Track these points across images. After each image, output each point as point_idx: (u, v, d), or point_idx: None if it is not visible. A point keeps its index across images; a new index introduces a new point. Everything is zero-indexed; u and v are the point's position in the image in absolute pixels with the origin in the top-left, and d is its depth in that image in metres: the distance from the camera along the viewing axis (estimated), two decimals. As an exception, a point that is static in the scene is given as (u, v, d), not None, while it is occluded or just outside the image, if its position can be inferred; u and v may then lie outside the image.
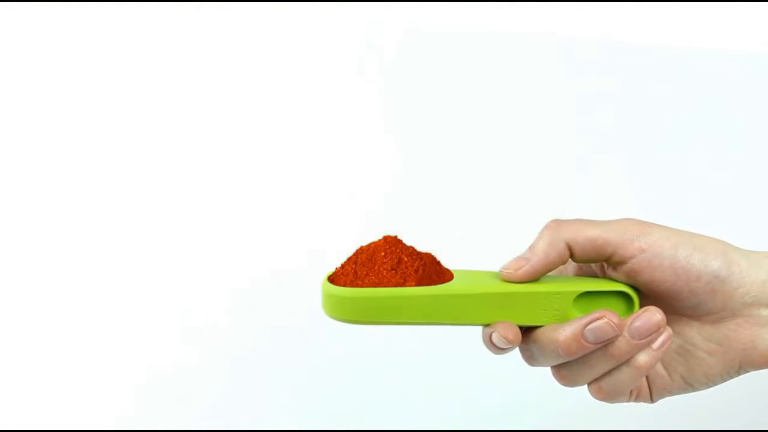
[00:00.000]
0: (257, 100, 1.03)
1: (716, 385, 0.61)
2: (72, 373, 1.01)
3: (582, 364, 0.59)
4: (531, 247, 0.60)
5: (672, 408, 0.93)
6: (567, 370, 0.60)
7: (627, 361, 0.58)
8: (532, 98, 1.03)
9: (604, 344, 0.58)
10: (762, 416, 1.00)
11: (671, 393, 0.62)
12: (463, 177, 1.03)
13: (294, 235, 1.02)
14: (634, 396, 0.62)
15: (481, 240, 0.99)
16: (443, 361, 1.00)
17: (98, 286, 1.01)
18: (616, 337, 0.57)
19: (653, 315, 0.58)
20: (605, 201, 1.02)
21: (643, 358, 0.58)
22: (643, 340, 0.58)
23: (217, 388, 1.01)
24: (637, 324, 0.58)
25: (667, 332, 0.58)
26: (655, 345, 0.58)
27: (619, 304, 0.60)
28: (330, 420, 1.01)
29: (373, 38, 1.02)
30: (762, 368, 0.60)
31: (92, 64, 1.01)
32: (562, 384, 0.61)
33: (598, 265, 0.62)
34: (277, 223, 1.02)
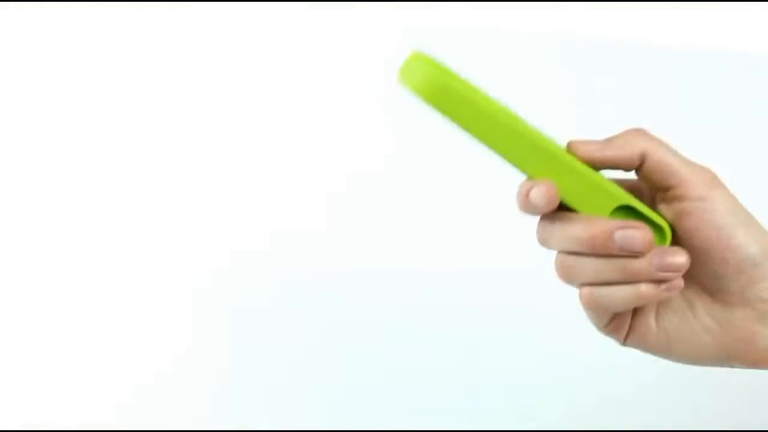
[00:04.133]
0: (256, 99, 1.03)
1: (693, 364, 0.60)
2: (75, 372, 1.02)
3: (593, 262, 0.58)
4: (609, 138, 0.59)
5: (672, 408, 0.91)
6: (574, 261, 0.58)
7: (632, 282, 0.57)
8: (530, 99, 1.00)
9: (627, 256, 0.57)
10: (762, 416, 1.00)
11: (646, 347, 0.61)
12: (463, 177, 1.01)
13: (294, 237, 1.02)
14: (611, 327, 0.61)
15: (481, 240, 0.97)
16: (446, 362, 1.00)
17: (101, 284, 1.02)
18: (641, 254, 0.57)
19: (682, 255, 0.57)
20: None
21: (646, 287, 0.57)
22: (661, 273, 0.57)
23: (218, 388, 1.02)
24: (663, 254, 0.57)
25: (681, 282, 0.58)
26: (665, 285, 0.57)
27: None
28: (333, 419, 1.02)
29: (373, 38, 1.02)
30: (748, 367, 0.59)
31: (92, 63, 1.02)
32: (560, 276, 0.59)
33: (658, 189, 0.61)
34: (275, 224, 1.02)
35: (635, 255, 0.57)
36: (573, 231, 0.58)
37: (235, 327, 1.02)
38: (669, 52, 1.02)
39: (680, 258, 0.57)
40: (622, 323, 0.61)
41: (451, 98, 0.57)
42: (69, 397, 1.02)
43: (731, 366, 0.60)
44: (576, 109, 1.03)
